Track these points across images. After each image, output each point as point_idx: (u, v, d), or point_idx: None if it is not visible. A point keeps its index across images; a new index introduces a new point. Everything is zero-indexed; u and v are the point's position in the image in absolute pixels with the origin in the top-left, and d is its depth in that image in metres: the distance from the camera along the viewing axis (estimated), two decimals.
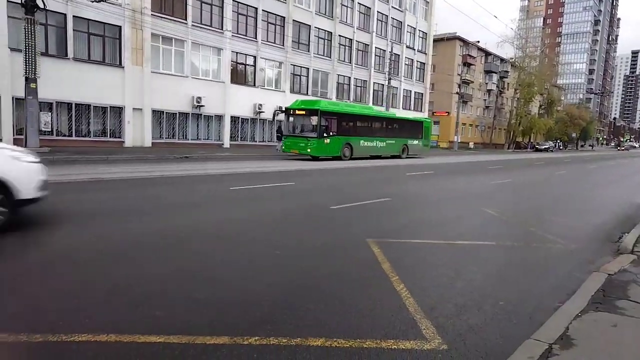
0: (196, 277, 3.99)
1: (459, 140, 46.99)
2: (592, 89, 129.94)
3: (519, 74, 58.42)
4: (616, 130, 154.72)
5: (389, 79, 35.06)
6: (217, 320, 3.07)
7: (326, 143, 20.59)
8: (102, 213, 6.56)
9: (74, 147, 19.14)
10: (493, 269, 4.71)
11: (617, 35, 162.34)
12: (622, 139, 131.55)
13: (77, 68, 20.14)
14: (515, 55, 59.58)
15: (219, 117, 26.73)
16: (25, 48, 14.18)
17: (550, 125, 65.37)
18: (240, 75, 27.88)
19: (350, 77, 36.15)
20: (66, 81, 19.61)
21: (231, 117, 27.20)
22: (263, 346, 2.71)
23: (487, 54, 59.52)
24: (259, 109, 28.12)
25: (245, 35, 27.57)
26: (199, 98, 24.78)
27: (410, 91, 44.13)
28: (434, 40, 47.43)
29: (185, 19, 24.34)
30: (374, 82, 38.50)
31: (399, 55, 41.10)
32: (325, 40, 33.58)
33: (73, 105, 20.39)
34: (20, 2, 14.19)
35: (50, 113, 19.51)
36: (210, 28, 25.55)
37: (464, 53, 53.99)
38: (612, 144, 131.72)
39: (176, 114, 24.53)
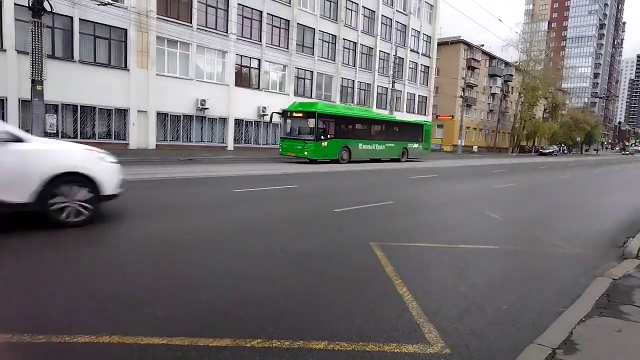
0: (196, 278, 4.00)
1: (463, 144, 46.92)
2: (597, 92, 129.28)
3: (523, 77, 58.30)
4: (621, 134, 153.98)
5: (393, 82, 35.00)
6: (219, 322, 3.07)
7: (324, 146, 20.48)
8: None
9: None
10: (496, 273, 4.70)
11: (622, 39, 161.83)
12: (627, 143, 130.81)
13: (82, 70, 20.30)
14: (519, 58, 59.56)
15: (223, 120, 26.83)
16: (32, 51, 14.30)
17: (554, 129, 65.17)
18: (244, 78, 27.98)
19: (354, 80, 36.18)
20: (72, 83, 19.77)
21: (235, 119, 27.29)
22: (265, 349, 2.71)
23: (492, 57, 59.37)
24: (263, 111, 28.13)
25: (250, 39, 27.68)
26: (204, 101, 24.88)
27: (414, 95, 44.11)
28: (438, 44, 47.38)
29: (191, 22, 24.48)
30: (378, 86, 38.50)
31: (403, 58, 41.11)
32: (330, 44, 33.64)
33: (78, 107, 20.53)
34: (27, 5, 14.31)
35: (55, 115, 19.65)
36: (215, 31, 25.68)
37: (468, 57, 53.95)
38: (617, 148, 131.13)
39: (180, 116, 24.65)
